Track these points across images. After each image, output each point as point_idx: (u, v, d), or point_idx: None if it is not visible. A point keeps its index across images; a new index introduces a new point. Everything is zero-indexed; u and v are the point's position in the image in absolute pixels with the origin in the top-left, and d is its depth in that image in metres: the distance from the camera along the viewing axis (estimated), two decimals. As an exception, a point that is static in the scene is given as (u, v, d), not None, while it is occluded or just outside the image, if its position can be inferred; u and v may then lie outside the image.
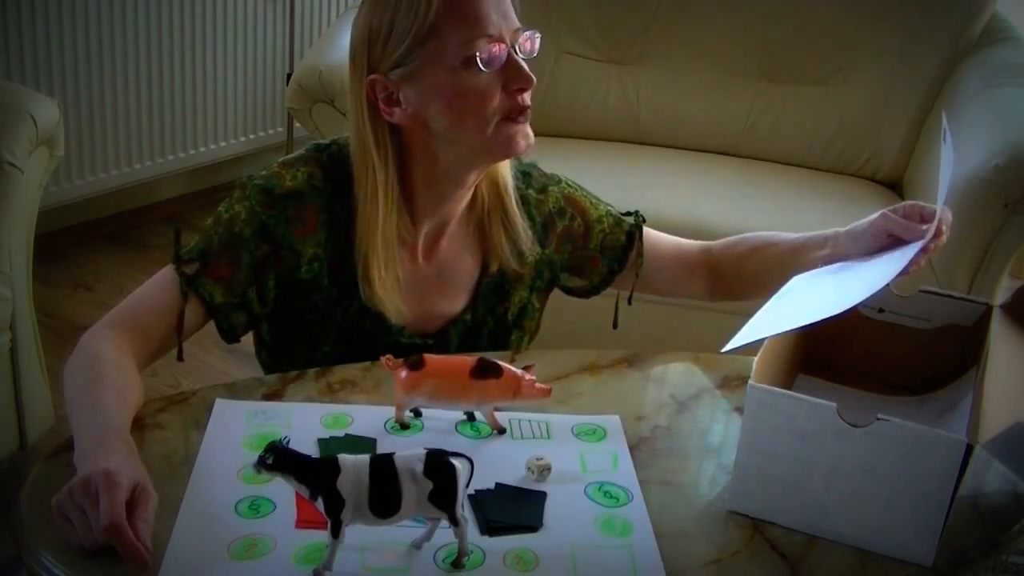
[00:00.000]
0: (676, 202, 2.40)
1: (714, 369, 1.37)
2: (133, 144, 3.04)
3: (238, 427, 1.14)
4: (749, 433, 1.05)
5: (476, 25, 1.20)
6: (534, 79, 1.24)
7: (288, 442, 0.93)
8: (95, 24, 2.83)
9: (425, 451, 0.94)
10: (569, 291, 1.48)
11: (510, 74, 1.23)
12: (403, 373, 1.13)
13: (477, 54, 1.20)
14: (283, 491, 0.97)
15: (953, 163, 1.20)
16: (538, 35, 1.26)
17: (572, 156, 2.51)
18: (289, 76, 3.18)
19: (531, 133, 1.26)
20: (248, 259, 1.26)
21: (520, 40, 1.24)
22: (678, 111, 2.81)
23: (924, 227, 1.24)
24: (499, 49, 1.22)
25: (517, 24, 1.24)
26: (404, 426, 1.16)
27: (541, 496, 1.06)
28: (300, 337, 1.34)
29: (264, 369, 1.42)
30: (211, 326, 1.28)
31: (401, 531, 0.97)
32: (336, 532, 0.91)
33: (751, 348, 1.09)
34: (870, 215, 1.31)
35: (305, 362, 1.33)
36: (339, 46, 2.33)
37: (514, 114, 1.24)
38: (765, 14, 2.78)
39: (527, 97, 1.24)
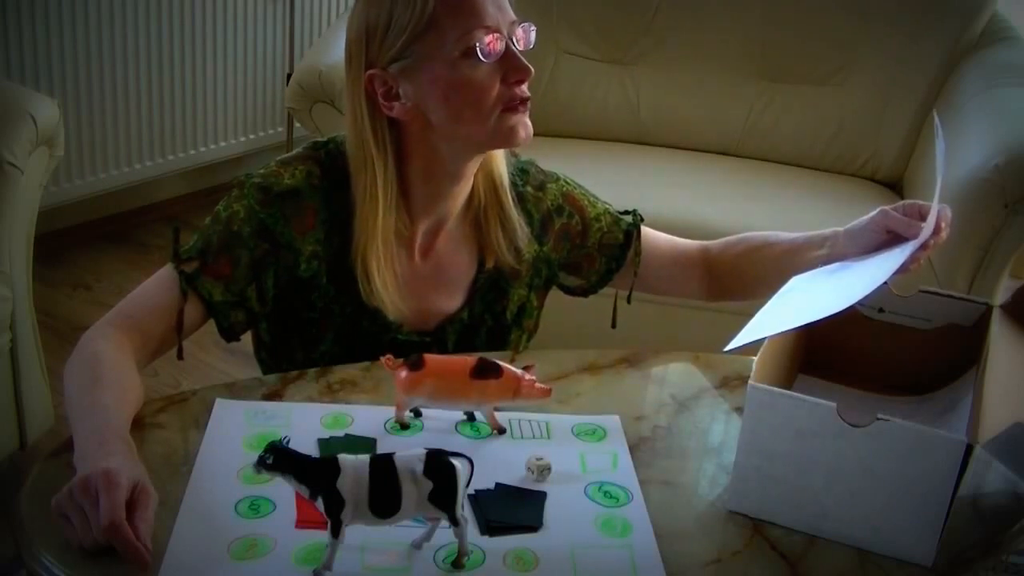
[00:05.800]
0: (676, 202, 2.40)
1: (714, 369, 1.37)
2: (133, 144, 3.04)
3: (238, 427, 1.14)
4: (749, 433, 1.05)
5: (473, 17, 1.21)
6: (532, 69, 1.24)
7: (288, 442, 0.93)
8: (95, 24, 2.83)
9: (425, 451, 0.94)
10: (567, 290, 1.48)
11: (508, 65, 1.23)
12: (403, 373, 1.13)
13: (476, 45, 1.21)
14: (283, 491, 0.97)
15: (945, 158, 1.20)
16: (533, 27, 1.27)
17: (572, 156, 2.51)
18: (289, 76, 3.18)
19: (530, 124, 1.27)
20: (247, 257, 1.26)
21: (516, 32, 1.25)
22: (678, 111, 2.81)
23: (923, 224, 1.25)
24: (497, 40, 1.22)
25: (513, 16, 1.25)
26: (404, 426, 1.16)
27: (541, 496, 1.06)
28: (299, 336, 1.34)
29: (263, 368, 1.42)
30: (211, 326, 1.28)
31: (401, 531, 0.97)
32: (336, 532, 0.91)
33: (751, 348, 1.09)
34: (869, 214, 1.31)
35: (304, 361, 1.33)
36: (339, 46, 2.32)
37: (514, 104, 1.24)
38: (765, 14, 2.78)
39: (526, 88, 1.25)
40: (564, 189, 1.43)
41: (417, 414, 1.18)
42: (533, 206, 1.40)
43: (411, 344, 1.32)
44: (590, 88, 2.83)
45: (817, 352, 1.31)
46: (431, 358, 1.13)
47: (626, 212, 1.47)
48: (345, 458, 0.92)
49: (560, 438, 1.17)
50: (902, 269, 1.23)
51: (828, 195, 2.62)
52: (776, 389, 1.05)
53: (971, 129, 2.40)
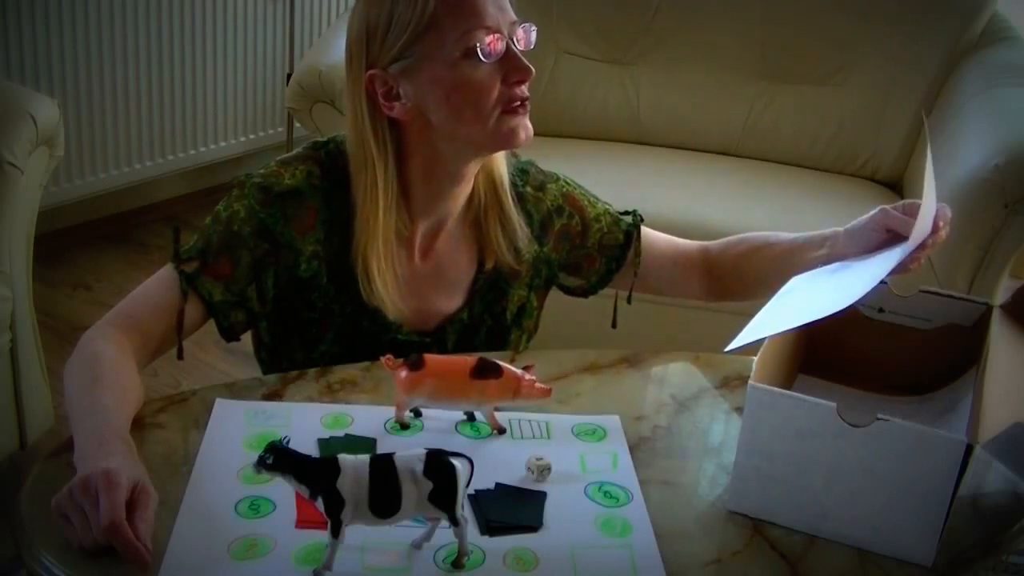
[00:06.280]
0: (676, 202, 2.40)
1: (714, 369, 1.36)
2: (133, 144, 3.04)
3: (238, 427, 1.14)
4: (749, 433, 1.05)
5: (474, 17, 1.21)
6: (532, 70, 1.24)
7: (288, 442, 0.93)
8: (95, 24, 2.83)
9: (425, 451, 0.94)
10: (567, 290, 1.48)
11: (509, 65, 1.23)
12: (403, 373, 1.13)
13: (477, 45, 1.21)
14: (283, 491, 0.97)
15: (931, 160, 1.21)
16: (534, 28, 1.27)
17: (572, 156, 2.51)
18: (289, 76, 3.18)
19: (530, 126, 1.27)
20: (247, 257, 1.26)
21: (517, 32, 1.25)
22: (678, 111, 2.81)
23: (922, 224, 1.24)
24: (497, 41, 1.22)
25: (513, 17, 1.25)
26: (404, 426, 1.16)
27: (541, 496, 1.06)
28: (299, 336, 1.34)
29: (263, 368, 1.42)
30: (211, 325, 1.28)
31: (401, 531, 0.97)
32: (336, 532, 0.91)
33: (751, 348, 1.09)
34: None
35: (303, 361, 1.33)
36: (339, 46, 2.34)
37: (514, 105, 1.24)
38: (765, 14, 2.78)
39: (525, 88, 1.25)
40: (564, 189, 1.43)
41: (417, 414, 1.18)
42: (533, 206, 1.40)
43: (411, 344, 1.32)
44: (590, 88, 2.83)
45: (817, 352, 1.31)
46: (431, 358, 1.13)
47: (626, 212, 1.47)
48: (345, 458, 0.92)
49: (560, 438, 1.17)
50: (902, 269, 1.23)
51: (828, 195, 2.62)
52: (776, 389, 1.05)
53: (971, 129, 2.40)
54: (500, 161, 1.35)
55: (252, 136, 3.38)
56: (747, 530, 1.06)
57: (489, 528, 1.00)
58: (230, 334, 1.29)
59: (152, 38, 2.99)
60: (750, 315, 1.14)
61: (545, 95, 2.77)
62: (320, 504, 0.92)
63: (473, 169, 1.32)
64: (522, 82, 1.24)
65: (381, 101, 1.25)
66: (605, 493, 1.08)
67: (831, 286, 1.23)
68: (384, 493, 0.92)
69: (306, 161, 1.31)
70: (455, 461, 0.94)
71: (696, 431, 1.23)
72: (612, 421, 1.21)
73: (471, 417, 1.18)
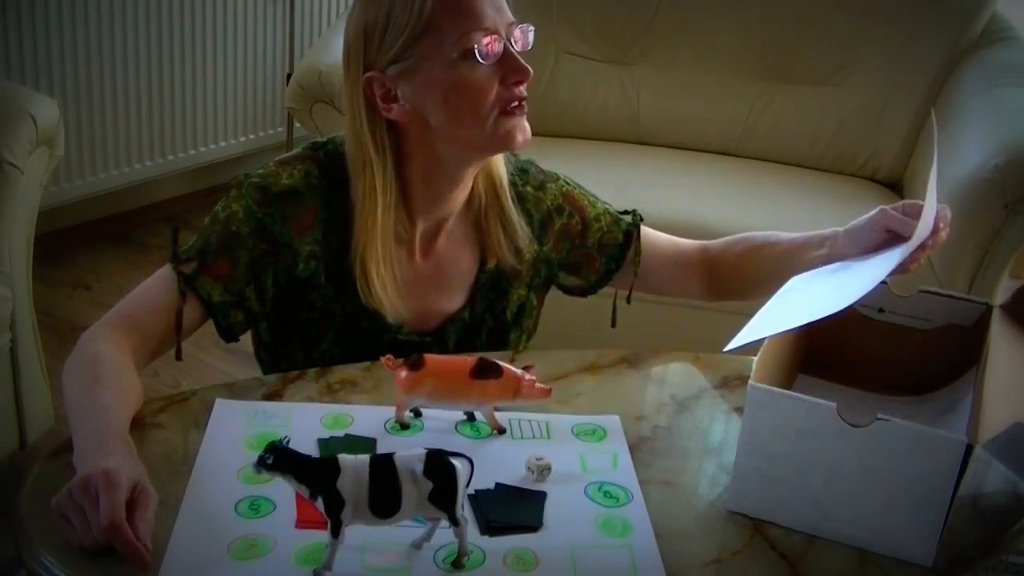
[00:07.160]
0: (676, 202, 2.40)
1: (714, 369, 1.36)
2: (133, 144, 3.04)
3: (238, 427, 1.14)
4: (749, 433, 1.05)
5: (471, 18, 1.21)
6: (530, 70, 1.24)
7: (288, 442, 0.93)
8: (95, 24, 2.83)
9: (425, 451, 0.94)
10: (567, 290, 1.48)
11: (507, 66, 1.23)
12: (403, 373, 1.13)
13: (474, 47, 1.21)
14: (283, 491, 0.97)
15: (938, 160, 1.21)
16: (531, 28, 1.27)
17: (572, 156, 2.51)
18: (289, 76, 3.18)
19: (528, 127, 1.27)
20: (246, 257, 1.26)
21: (515, 33, 1.25)
22: (678, 111, 2.81)
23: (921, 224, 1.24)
24: (495, 42, 1.22)
25: (511, 18, 1.25)
26: (404, 426, 1.16)
27: (541, 496, 1.06)
28: (299, 336, 1.34)
29: (262, 368, 1.42)
30: (210, 326, 1.28)
31: (401, 531, 0.97)
32: (336, 532, 0.91)
33: (751, 348, 1.09)
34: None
35: (303, 361, 1.33)
36: (339, 46, 2.34)
37: (512, 106, 1.24)
38: (765, 14, 2.78)
39: (523, 89, 1.25)
40: (564, 189, 1.43)
41: (417, 414, 1.18)
42: (533, 206, 1.40)
43: (412, 344, 1.32)
44: (590, 88, 2.82)
45: (817, 352, 1.31)
46: (431, 358, 1.13)
47: (626, 212, 1.47)
48: (345, 458, 0.92)
49: (560, 438, 1.17)
50: (902, 269, 1.23)
51: (828, 195, 2.62)
52: (776, 389, 1.05)
53: (971, 129, 2.40)
54: (499, 161, 1.35)
55: (252, 136, 3.38)
56: (747, 530, 1.06)
57: (489, 528, 1.00)
58: (229, 334, 1.29)
59: (152, 38, 2.99)
60: (750, 315, 1.14)
61: (545, 95, 2.77)
62: (320, 504, 0.92)
63: (472, 172, 1.32)
64: (520, 83, 1.24)
65: (379, 103, 1.25)
66: (605, 493, 1.08)
67: (831, 286, 1.23)
68: (384, 493, 0.92)
69: (304, 161, 1.31)
70: (455, 461, 0.94)
71: (696, 431, 1.23)
72: (612, 421, 1.21)
73: (471, 417, 1.18)
